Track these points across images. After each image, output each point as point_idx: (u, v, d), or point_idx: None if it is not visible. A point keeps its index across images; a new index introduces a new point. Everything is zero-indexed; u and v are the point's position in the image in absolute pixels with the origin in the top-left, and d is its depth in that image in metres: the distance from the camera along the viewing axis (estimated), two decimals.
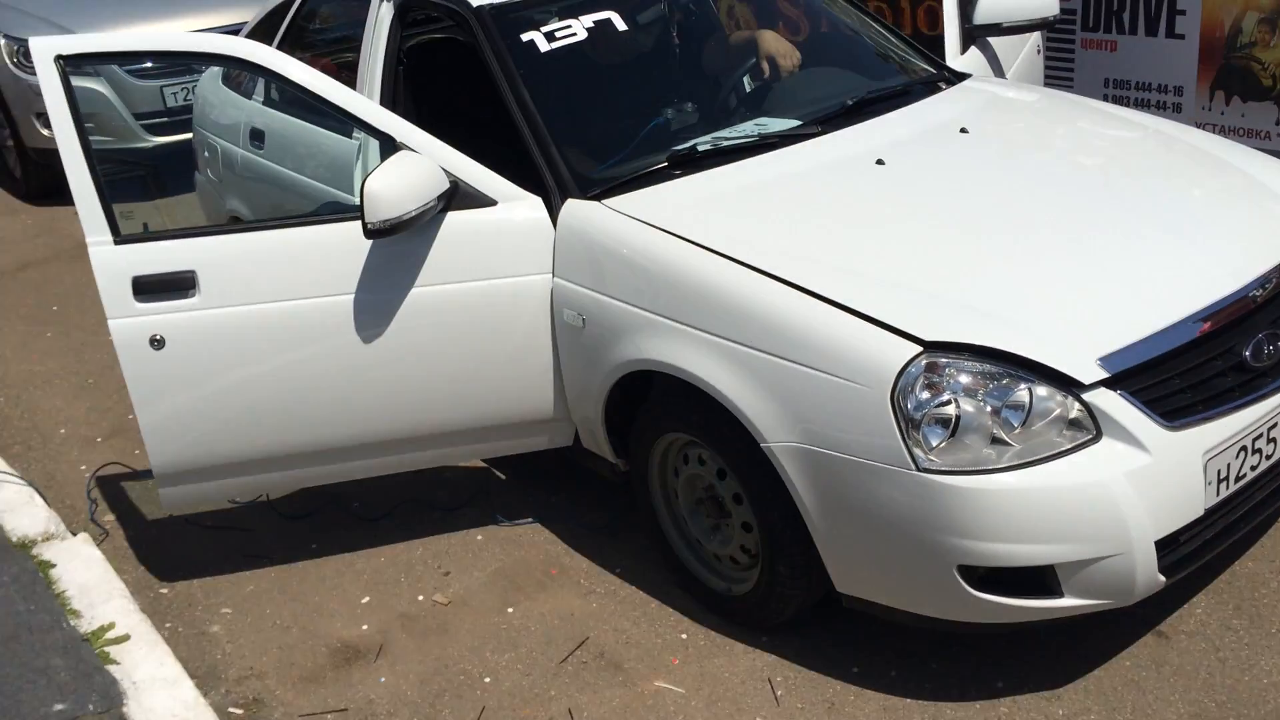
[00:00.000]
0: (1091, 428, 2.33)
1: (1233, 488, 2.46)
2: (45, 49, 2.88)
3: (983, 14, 3.82)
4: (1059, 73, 5.14)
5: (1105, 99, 4.85)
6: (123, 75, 6.34)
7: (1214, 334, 2.47)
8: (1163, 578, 2.38)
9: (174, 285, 2.89)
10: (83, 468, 3.96)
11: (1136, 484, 2.29)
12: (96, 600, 3.04)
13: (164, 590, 3.30)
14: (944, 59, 3.75)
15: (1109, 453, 2.31)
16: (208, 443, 3.03)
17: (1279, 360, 2.52)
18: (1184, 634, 2.70)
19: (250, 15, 4.97)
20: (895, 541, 2.40)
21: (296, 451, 3.09)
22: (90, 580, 3.12)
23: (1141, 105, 4.90)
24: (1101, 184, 3.02)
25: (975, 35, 3.90)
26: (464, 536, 3.39)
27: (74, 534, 3.42)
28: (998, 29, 3.84)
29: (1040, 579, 2.35)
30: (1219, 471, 2.42)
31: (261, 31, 4.31)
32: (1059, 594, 2.35)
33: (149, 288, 2.88)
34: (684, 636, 2.89)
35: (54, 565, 3.20)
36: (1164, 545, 2.35)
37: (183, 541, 3.50)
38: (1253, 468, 2.49)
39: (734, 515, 2.79)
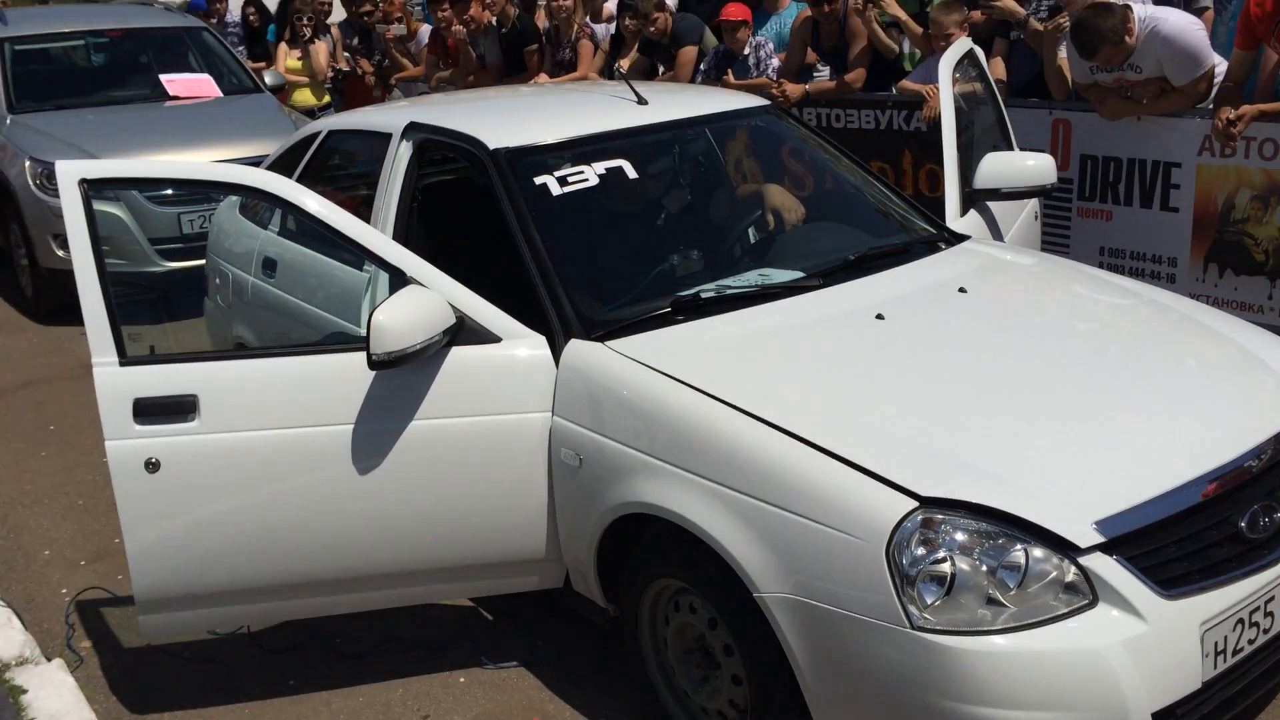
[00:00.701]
0: (1088, 592, 2.30)
1: (1230, 661, 2.41)
2: (70, 172, 2.95)
3: (983, 179, 3.93)
4: (1056, 238, 5.26)
5: (1101, 266, 4.95)
6: (142, 201, 6.50)
7: (1210, 503, 2.46)
8: None
9: (175, 409, 2.90)
10: (63, 591, 3.89)
11: (1133, 653, 2.25)
12: None
13: None
14: (944, 220, 3.84)
15: (1105, 619, 2.28)
16: (194, 570, 2.99)
17: (1275, 532, 2.51)
18: None
19: (272, 148, 5.13)
20: (887, 701, 2.34)
21: (284, 583, 3.05)
22: (60, 709, 3.04)
23: (1136, 274, 5.00)
24: (1097, 348, 3.05)
25: (975, 199, 4.00)
26: (446, 678, 3.31)
27: (49, 659, 3.34)
28: (997, 194, 3.95)
29: None
30: (1216, 644, 2.38)
31: (282, 165, 4.43)
32: None
33: (150, 410, 2.89)
34: None
35: (25, 690, 3.12)
36: (1161, 718, 2.30)
37: (158, 672, 3.42)
38: (1250, 641, 2.45)
39: (724, 667, 2.73)
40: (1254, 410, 2.73)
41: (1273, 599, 2.48)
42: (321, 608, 3.18)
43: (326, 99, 9.18)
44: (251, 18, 10.04)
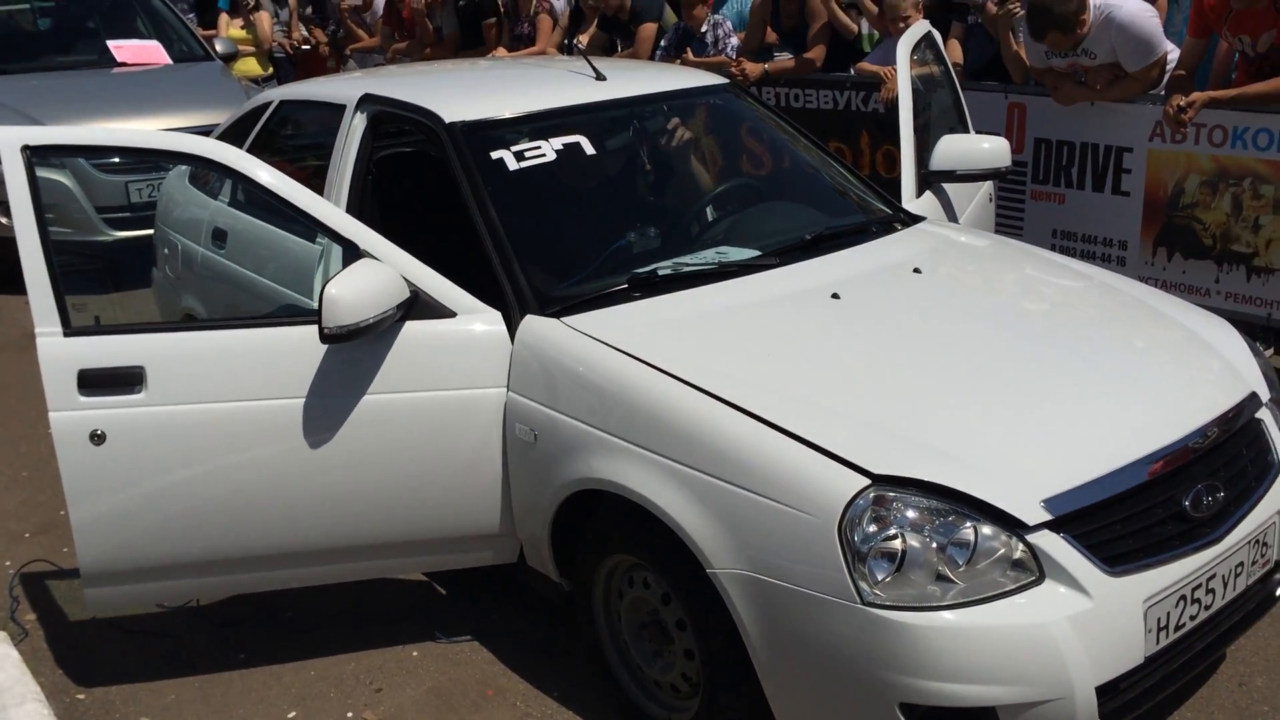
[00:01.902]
0: (1035, 569, 2.33)
1: (1172, 636, 2.46)
2: (12, 139, 2.88)
3: (938, 161, 3.95)
4: (1009, 221, 5.31)
5: (1053, 248, 5.00)
6: (88, 168, 6.37)
7: (1155, 482, 2.50)
8: None
9: (121, 380, 2.85)
10: (6, 563, 3.83)
11: (1078, 628, 2.29)
12: (9, 703, 2.91)
13: (81, 696, 3.17)
14: (900, 201, 3.86)
15: (1051, 595, 2.31)
16: (141, 543, 2.95)
17: (1218, 511, 2.56)
18: None
19: (222, 118, 5.04)
20: (838, 675, 2.37)
21: (233, 556, 3.02)
22: (4, 681, 3.00)
23: (1087, 256, 5.06)
24: (1048, 330, 3.09)
25: (930, 181, 4.02)
26: (399, 652, 3.30)
27: None
28: (952, 176, 3.98)
29: None
30: (1159, 620, 2.42)
31: (233, 134, 4.36)
32: None
33: (95, 381, 2.84)
34: None
35: None
36: (1104, 691, 2.34)
37: (104, 645, 3.38)
38: (1192, 617, 2.51)
39: (677, 642, 2.75)
40: (1200, 392, 2.78)
41: (1214, 576, 2.53)
42: (272, 581, 3.15)
43: (270, 69, 9.04)
44: None
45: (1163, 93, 4.81)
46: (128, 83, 7.56)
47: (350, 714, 3.06)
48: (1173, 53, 4.89)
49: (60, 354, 2.83)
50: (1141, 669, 2.41)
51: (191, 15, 9.55)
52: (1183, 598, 2.47)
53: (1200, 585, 2.50)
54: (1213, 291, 4.78)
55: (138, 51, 7.85)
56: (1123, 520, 2.44)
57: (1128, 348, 3.02)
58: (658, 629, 2.82)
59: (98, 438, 2.83)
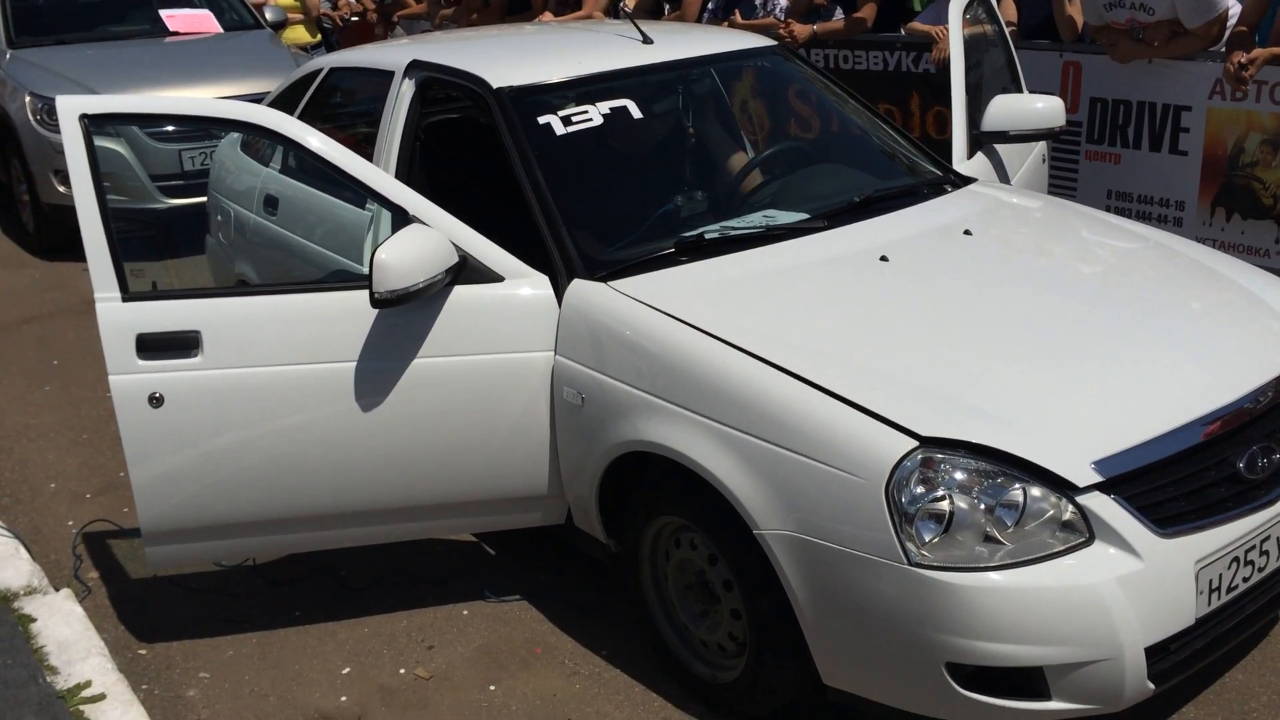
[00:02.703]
0: (1084, 531, 2.32)
1: (1224, 598, 2.44)
2: (71, 107, 2.93)
3: (990, 121, 3.90)
4: (1063, 182, 5.22)
5: (1107, 210, 4.92)
6: (142, 137, 6.45)
7: (1209, 444, 2.47)
8: (1152, 685, 2.35)
9: (178, 344, 2.91)
10: (70, 523, 3.93)
11: (1128, 589, 2.28)
12: (74, 657, 3.00)
13: (142, 651, 3.26)
14: (951, 163, 3.81)
15: (1101, 557, 2.30)
16: (199, 503, 3.01)
17: (1273, 473, 2.53)
18: None
19: (273, 85, 5.08)
20: (884, 635, 2.38)
21: (288, 516, 3.08)
22: (69, 637, 3.09)
23: (1143, 218, 4.97)
24: (1101, 291, 3.05)
25: (982, 142, 3.97)
26: (450, 610, 3.36)
27: (56, 589, 3.38)
28: (1004, 136, 3.92)
29: (1029, 680, 2.32)
30: (1211, 581, 2.40)
31: (283, 102, 4.40)
32: (1047, 696, 2.32)
33: (152, 345, 2.90)
34: None
35: (34, 620, 3.16)
36: (1154, 652, 2.33)
37: (165, 602, 3.47)
38: (1245, 579, 2.48)
39: (723, 602, 2.77)
40: (1256, 353, 2.74)
41: (1268, 538, 2.51)
42: (326, 541, 3.22)
43: (318, 37, 9.09)
44: None
45: (1223, 49, 4.69)
46: (180, 52, 7.64)
47: (403, 670, 3.12)
48: (1234, 8, 4.76)
49: (119, 319, 2.89)
50: (1192, 630, 2.40)
51: None
52: (1235, 559, 2.45)
53: (1254, 547, 2.48)
54: (1272, 252, 4.68)
55: (189, 20, 7.94)
56: (1175, 482, 2.42)
57: (1184, 309, 2.97)
58: (704, 589, 2.84)
59: (156, 400, 2.89)
